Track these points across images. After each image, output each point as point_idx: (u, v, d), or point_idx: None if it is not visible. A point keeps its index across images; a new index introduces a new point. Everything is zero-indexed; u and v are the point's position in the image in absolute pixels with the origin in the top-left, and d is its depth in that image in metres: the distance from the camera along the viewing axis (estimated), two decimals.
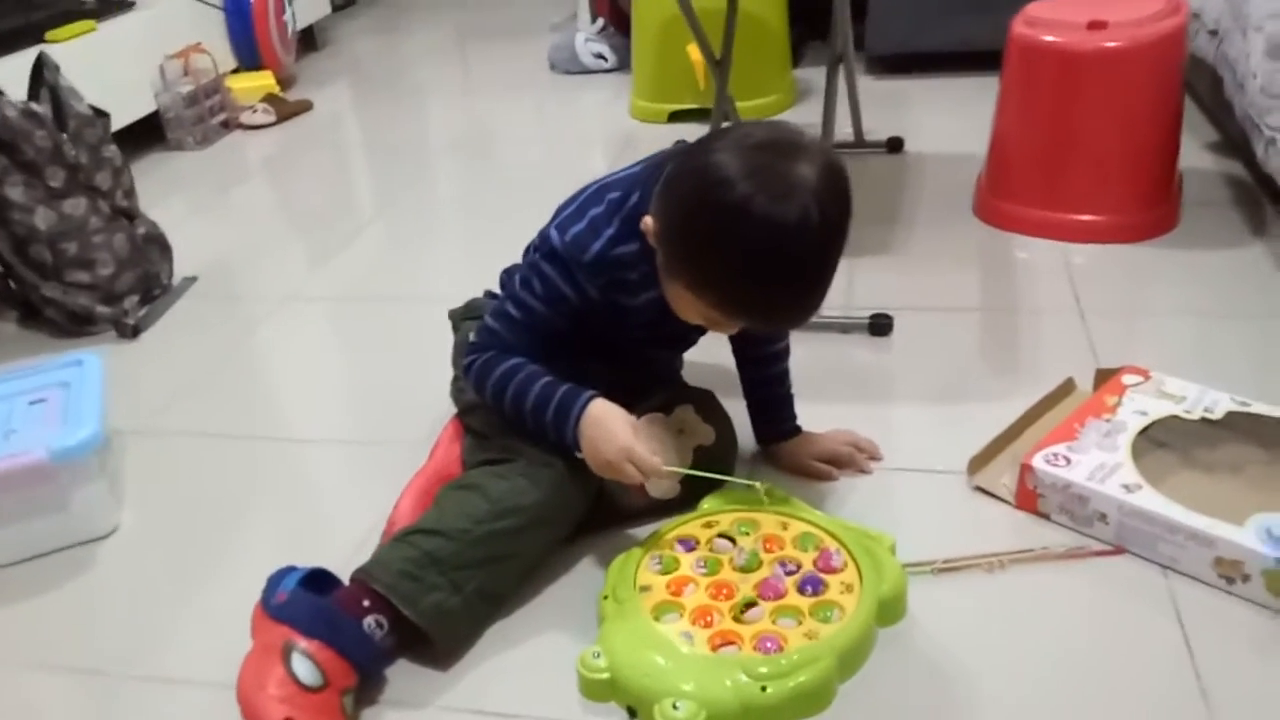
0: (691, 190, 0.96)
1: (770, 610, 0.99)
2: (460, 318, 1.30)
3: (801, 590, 1.00)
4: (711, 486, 1.13)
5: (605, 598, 1.02)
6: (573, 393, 1.06)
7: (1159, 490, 1.08)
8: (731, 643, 0.96)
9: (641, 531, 1.13)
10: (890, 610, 1.01)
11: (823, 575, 1.02)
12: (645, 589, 1.03)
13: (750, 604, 1.00)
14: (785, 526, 1.09)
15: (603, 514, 1.14)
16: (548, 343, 1.11)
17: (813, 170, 0.92)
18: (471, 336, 1.18)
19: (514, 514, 1.03)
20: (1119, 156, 1.75)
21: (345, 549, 1.12)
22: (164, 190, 2.38)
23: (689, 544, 1.09)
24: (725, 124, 1.81)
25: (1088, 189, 1.77)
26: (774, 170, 0.92)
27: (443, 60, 3.43)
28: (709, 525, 1.11)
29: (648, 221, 1.01)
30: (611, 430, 1.03)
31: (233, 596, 1.04)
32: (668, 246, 1.00)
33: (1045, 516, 1.14)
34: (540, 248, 1.09)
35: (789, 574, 1.03)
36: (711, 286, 0.98)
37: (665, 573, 1.05)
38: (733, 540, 1.08)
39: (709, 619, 0.99)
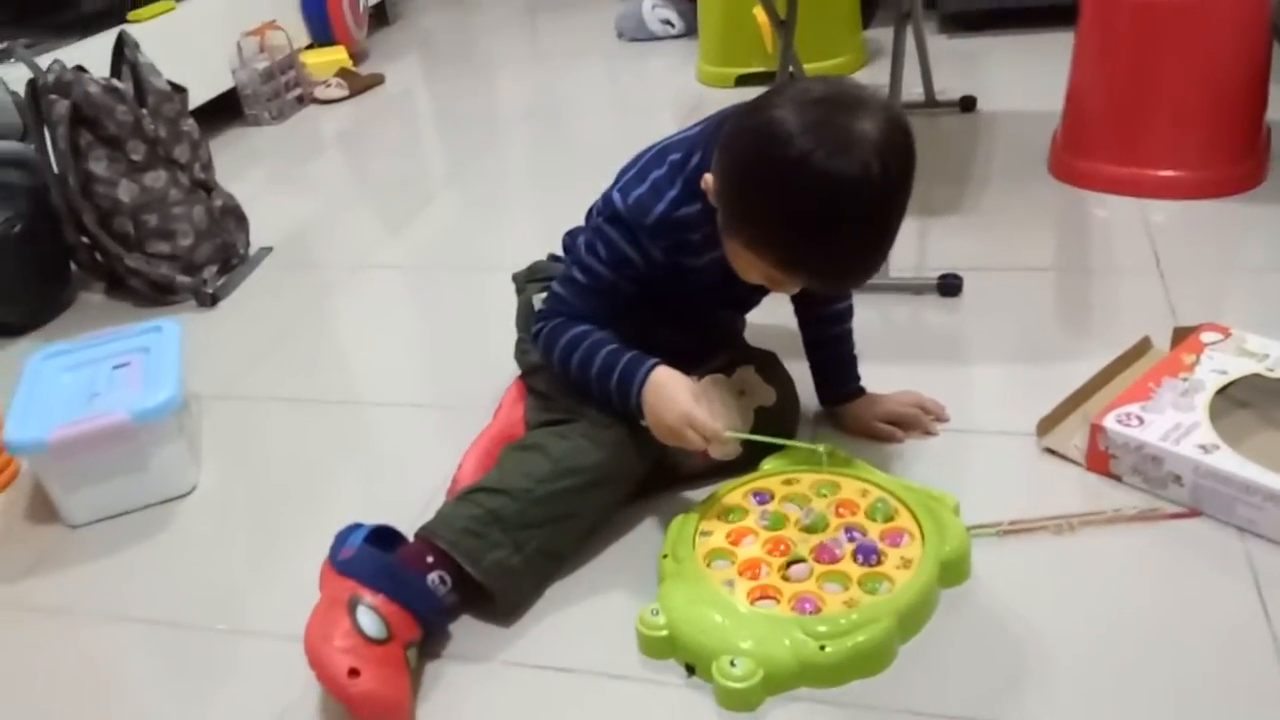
0: (750, 147, 0.95)
1: (819, 573, 0.98)
2: (524, 280, 1.30)
3: (855, 557, 0.99)
4: (773, 448, 1.13)
5: (665, 557, 1.03)
6: (636, 360, 1.06)
7: (1237, 451, 1.04)
8: (771, 598, 0.97)
9: (701, 493, 1.12)
10: (953, 571, 0.99)
11: (884, 547, 1.00)
12: (706, 534, 1.04)
13: (796, 561, 1.00)
14: (865, 494, 1.08)
15: (663, 475, 1.14)
16: (613, 306, 1.11)
17: (874, 125, 0.90)
18: (537, 303, 1.19)
19: (575, 474, 1.04)
20: (1202, 108, 1.68)
21: (412, 508, 1.15)
22: (242, 164, 2.44)
23: (763, 497, 1.09)
24: None
25: (1169, 143, 1.71)
26: (834, 125, 0.90)
27: (512, 31, 3.44)
28: (789, 482, 1.10)
29: (708, 179, 1.01)
30: (673, 397, 1.03)
31: (304, 553, 1.07)
32: (727, 204, 0.99)
33: (1117, 478, 1.11)
34: (603, 211, 1.09)
35: (851, 540, 1.02)
36: (771, 245, 0.97)
37: (730, 521, 1.05)
38: (808, 500, 1.08)
39: (756, 572, 0.99)
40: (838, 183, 0.89)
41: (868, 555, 0.99)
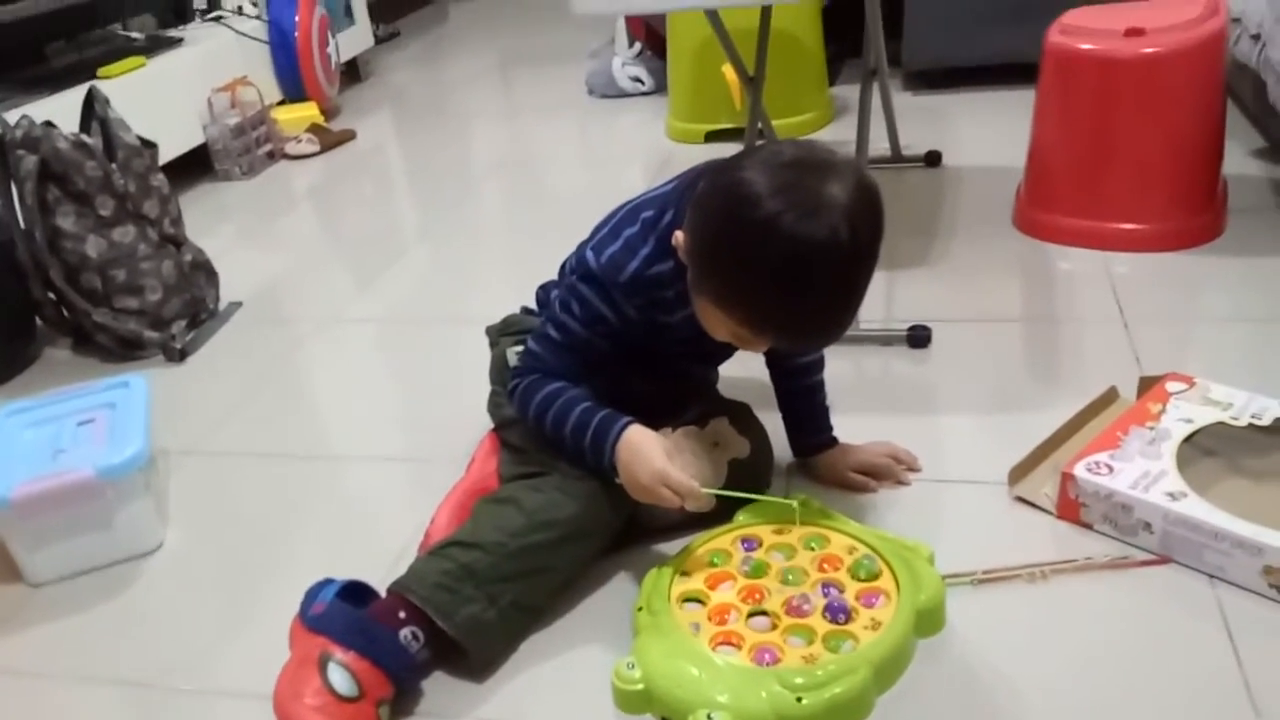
0: (720, 207, 0.96)
1: (786, 625, 0.98)
2: (497, 334, 1.31)
3: (825, 614, 0.99)
4: (747, 500, 1.13)
5: (639, 609, 1.02)
6: (609, 419, 1.06)
7: (1205, 498, 1.05)
8: (734, 644, 0.97)
9: (675, 545, 1.12)
10: (929, 621, 0.99)
11: (856, 605, 1.00)
12: (685, 574, 1.04)
13: (758, 613, 1.00)
14: (851, 550, 1.07)
15: (638, 527, 1.14)
16: (588, 362, 1.12)
17: (843, 189, 0.91)
18: (511, 356, 1.20)
19: (549, 527, 1.04)
20: (1160, 164, 1.72)
21: (384, 563, 1.14)
22: (212, 219, 2.43)
23: (751, 544, 1.09)
24: (759, 141, 1.81)
25: (1129, 197, 1.75)
26: (803, 188, 0.91)
27: (484, 88, 3.48)
28: (779, 532, 1.10)
29: (678, 236, 1.01)
30: (647, 456, 1.03)
31: (274, 610, 1.05)
32: (697, 263, 1.00)
33: (1088, 526, 1.12)
34: (577, 269, 1.10)
35: (825, 595, 1.01)
36: (739, 304, 0.97)
37: (713, 565, 1.06)
38: (794, 551, 1.08)
39: (724, 617, 1.00)
40: (805, 245, 0.90)
41: (836, 614, 0.99)
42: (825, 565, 1.06)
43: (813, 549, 1.08)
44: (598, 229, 1.13)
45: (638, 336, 1.11)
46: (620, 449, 1.04)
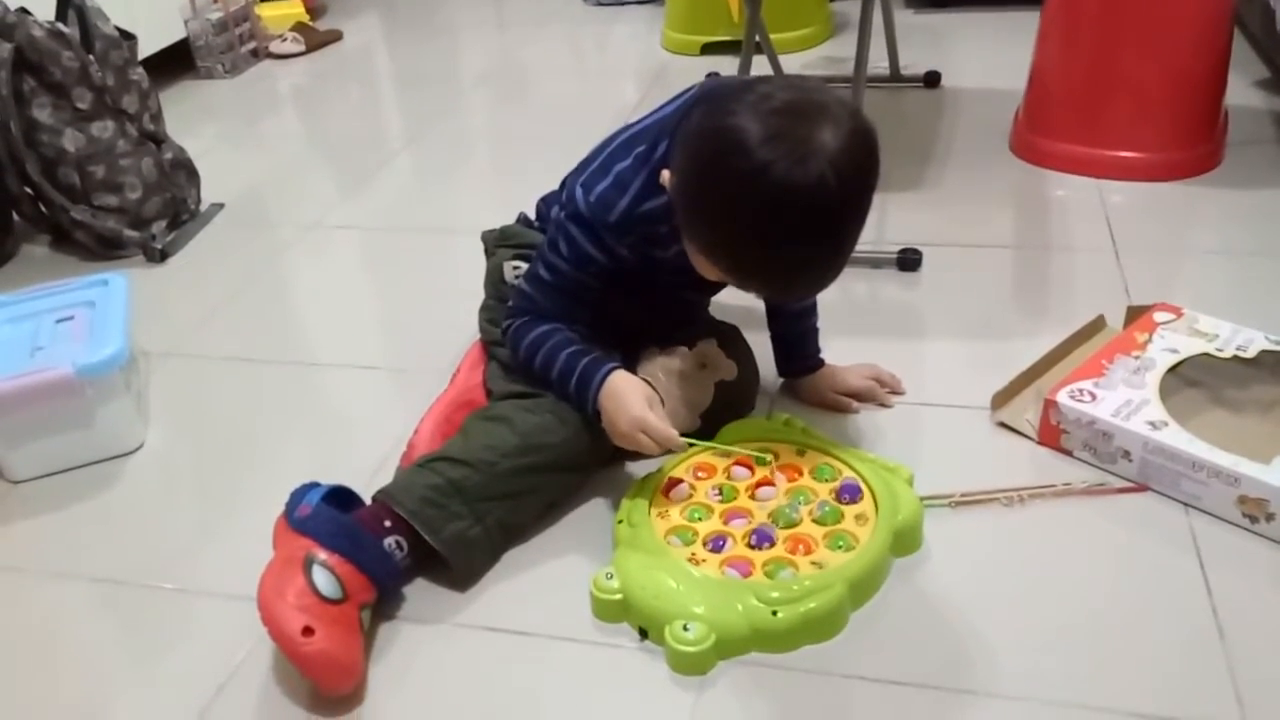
0: (707, 152, 0.92)
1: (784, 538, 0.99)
2: (494, 243, 1.27)
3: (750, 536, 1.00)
4: (729, 417, 1.13)
5: (620, 522, 1.03)
6: (593, 366, 1.05)
7: (1186, 428, 1.06)
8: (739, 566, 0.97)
9: (657, 463, 1.12)
10: (905, 540, 1.00)
11: (836, 505, 1.02)
12: (662, 514, 1.04)
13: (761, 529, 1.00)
14: (802, 453, 1.09)
15: (623, 449, 1.13)
16: (580, 300, 1.10)
17: (835, 136, 0.88)
18: (508, 273, 1.18)
19: (541, 450, 1.03)
20: (1162, 92, 1.70)
21: (365, 469, 1.14)
22: (193, 118, 2.38)
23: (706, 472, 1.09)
24: (756, 55, 1.77)
25: (1128, 125, 1.73)
26: (792, 136, 0.87)
27: None
28: (728, 455, 1.10)
29: (665, 176, 0.99)
30: (626, 403, 1.02)
31: (253, 512, 1.05)
32: (683, 208, 0.97)
33: (1068, 453, 1.12)
34: (566, 207, 1.07)
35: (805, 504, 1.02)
36: (724, 252, 0.95)
37: (681, 500, 1.06)
38: (751, 468, 1.08)
39: (720, 544, 1.00)
40: (792, 193, 0.87)
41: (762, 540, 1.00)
42: (792, 475, 1.06)
43: (765, 463, 1.08)
44: (590, 160, 1.09)
45: (632, 270, 1.09)
46: (602, 397, 1.04)
